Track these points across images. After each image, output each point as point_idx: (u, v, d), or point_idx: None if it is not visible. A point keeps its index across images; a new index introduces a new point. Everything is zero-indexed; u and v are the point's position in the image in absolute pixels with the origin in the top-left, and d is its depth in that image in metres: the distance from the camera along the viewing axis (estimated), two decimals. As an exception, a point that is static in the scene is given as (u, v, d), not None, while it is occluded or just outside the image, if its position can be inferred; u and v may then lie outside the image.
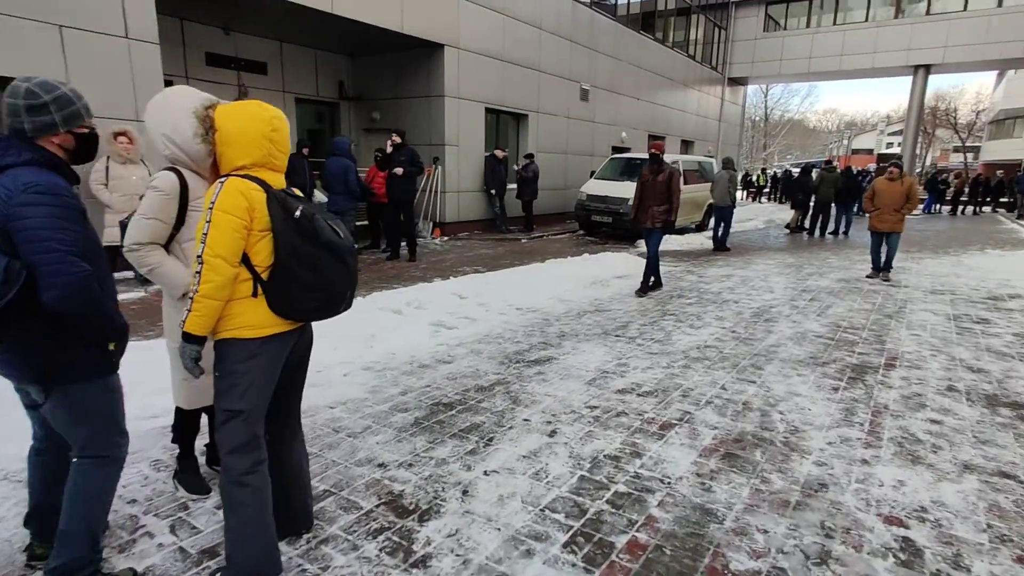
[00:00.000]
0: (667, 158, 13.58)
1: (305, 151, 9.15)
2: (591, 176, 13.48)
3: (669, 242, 11.69)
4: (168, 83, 9.51)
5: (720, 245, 11.27)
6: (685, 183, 13.46)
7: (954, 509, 2.59)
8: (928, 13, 22.26)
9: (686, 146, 22.97)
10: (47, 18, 5.91)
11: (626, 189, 12.18)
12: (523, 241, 11.59)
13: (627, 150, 17.22)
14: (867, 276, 8.39)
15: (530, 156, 12.50)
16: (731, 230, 11.58)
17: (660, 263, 7.43)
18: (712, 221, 11.91)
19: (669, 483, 2.75)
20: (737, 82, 26.43)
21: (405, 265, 8.48)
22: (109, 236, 6.09)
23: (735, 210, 11.78)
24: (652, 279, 7.14)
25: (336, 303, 1.98)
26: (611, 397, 3.80)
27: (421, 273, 7.85)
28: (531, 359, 4.55)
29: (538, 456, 2.99)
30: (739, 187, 11.36)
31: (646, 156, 14.25)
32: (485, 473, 2.81)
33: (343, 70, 12.30)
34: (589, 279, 7.65)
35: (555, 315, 5.96)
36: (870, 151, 56.30)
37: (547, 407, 3.62)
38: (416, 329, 5.10)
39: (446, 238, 11.44)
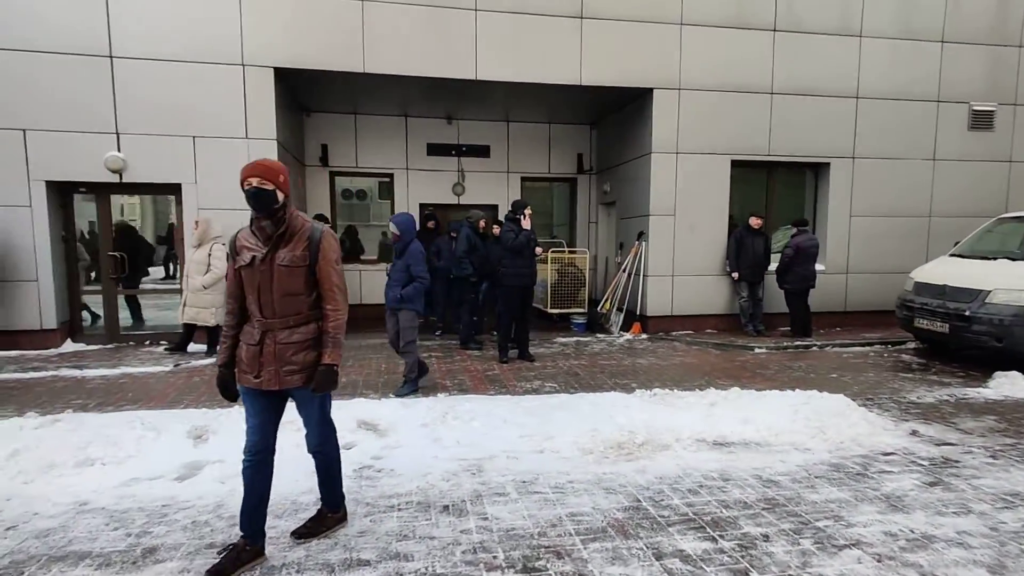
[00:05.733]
0: None
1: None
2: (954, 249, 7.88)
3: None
4: (389, 176, 10.41)
5: None
6: None
7: None
8: None
9: None
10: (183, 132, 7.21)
11: (993, 275, 6.52)
12: (757, 351, 7.51)
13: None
14: None
15: (802, 224, 8.19)
16: None
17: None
18: None
19: None
20: None
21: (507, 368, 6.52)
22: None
23: None
24: (323, 524, 2.90)
25: None
26: None
27: (456, 382, 5.82)
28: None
29: None
30: None
31: None
32: None
33: (585, 142, 11.01)
34: (660, 444, 4.06)
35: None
36: None
37: None
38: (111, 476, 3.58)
39: (644, 336, 8.46)
